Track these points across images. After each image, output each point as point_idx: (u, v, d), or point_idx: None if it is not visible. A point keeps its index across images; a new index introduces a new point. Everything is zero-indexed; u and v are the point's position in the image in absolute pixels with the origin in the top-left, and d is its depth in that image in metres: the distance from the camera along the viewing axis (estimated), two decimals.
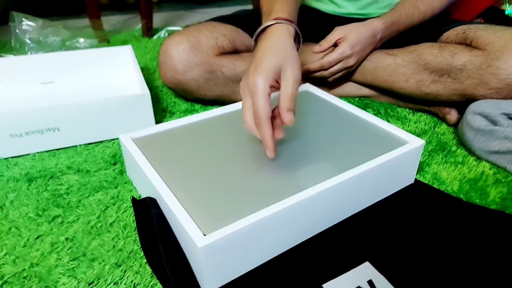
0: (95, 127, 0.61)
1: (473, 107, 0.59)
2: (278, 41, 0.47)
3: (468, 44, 0.64)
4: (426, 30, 0.74)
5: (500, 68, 0.58)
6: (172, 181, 0.43)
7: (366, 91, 0.77)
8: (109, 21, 1.33)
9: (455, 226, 0.45)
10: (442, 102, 0.67)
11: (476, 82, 0.61)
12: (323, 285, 0.38)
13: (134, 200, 0.43)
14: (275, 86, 0.44)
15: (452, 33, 0.68)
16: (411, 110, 0.74)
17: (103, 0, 1.51)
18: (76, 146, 0.61)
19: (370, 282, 0.38)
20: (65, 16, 1.32)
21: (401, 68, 0.68)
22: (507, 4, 1.06)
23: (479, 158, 0.59)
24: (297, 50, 0.49)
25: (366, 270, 0.40)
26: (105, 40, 1.03)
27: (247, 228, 0.36)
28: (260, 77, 0.42)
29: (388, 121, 0.70)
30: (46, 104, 0.57)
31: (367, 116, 0.56)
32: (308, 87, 0.66)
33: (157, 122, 0.67)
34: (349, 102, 0.76)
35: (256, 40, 0.53)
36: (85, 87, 0.77)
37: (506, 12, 1.05)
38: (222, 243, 0.35)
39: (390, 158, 0.47)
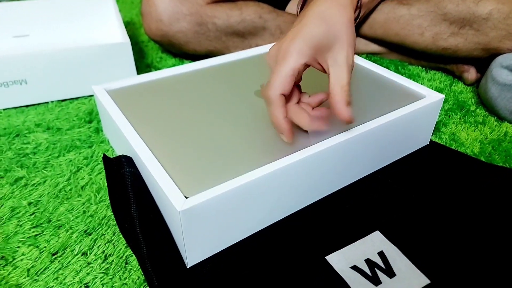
0: (69, 81, 0.53)
1: (501, 59, 0.52)
2: (334, 10, 0.34)
3: None
4: None
5: None
6: (150, 138, 0.37)
7: (374, 47, 0.70)
8: None
9: (475, 191, 0.39)
10: (460, 59, 0.60)
11: (502, 34, 0.53)
12: (326, 257, 0.32)
13: (105, 157, 0.37)
14: (313, 64, 0.34)
15: None
16: (424, 68, 0.66)
17: None
18: (47, 102, 0.54)
19: (381, 254, 0.33)
20: None
21: (416, 19, 0.61)
22: None
23: (501, 119, 0.52)
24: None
25: (376, 240, 0.34)
26: None
27: (236, 190, 0.30)
28: (295, 47, 0.32)
29: None
30: (10, 53, 0.49)
31: (379, 70, 0.49)
32: None
33: None
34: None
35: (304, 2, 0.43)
36: (62, 41, 0.69)
37: None
38: (206, 207, 0.29)
39: (404, 113, 0.40)
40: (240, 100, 0.43)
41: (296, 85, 0.36)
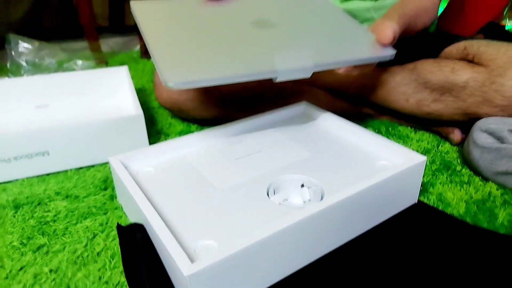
0: (87, 150, 0.59)
1: (480, 123, 0.57)
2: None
3: (469, 60, 0.63)
4: (426, 47, 0.73)
5: (505, 85, 0.56)
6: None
7: (365, 109, 0.76)
8: (108, 43, 1.34)
9: (462, 252, 0.42)
10: (445, 122, 0.65)
11: (479, 100, 0.59)
12: None
13: (119, 226, 0.41)
14: None
15: (452, 49, 0.67)
16: (412, 129, 0.71)
17: (102, 22, 1.53)
18: (66, 170, 0.59)
19: None
20: (63, 39, 1.33)
21: (400, 87, 0.67)
22: (507, 20, 1.05)
23: (485, 179, 0.56)
24: None
25: None
26: (103, 61, 1.03)
27: (239, 253, 0.34)
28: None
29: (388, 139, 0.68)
30: (35, 127, 0.55)
31: (363, 134, 0.54)
32: (305, 107, 0.64)
33: (151, 144, 0.65)
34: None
35: None
36: (80, 109, 0.76)
37: (507, 28, 1.05)
38: (212, 271, 0.33)
39: (390, 175, 0.44)
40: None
41: None
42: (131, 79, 0.74)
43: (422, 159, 0.47)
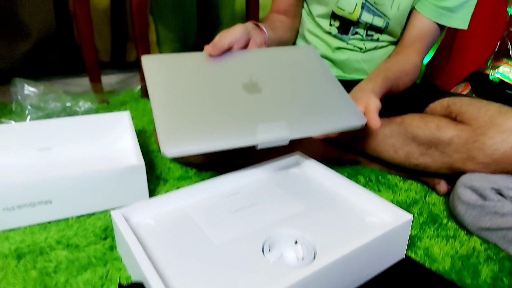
0: (88, 199, 0.61)
1: (464, 179, 0.60)
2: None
3: (453, 118, 0.67)
4: (411, 99, 0.77)
5: (487, 144, 0.60)
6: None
7: (356, 157, 0.79)
8: (110, 79, 1.38)
9: None
10: (432, 174, 0.69)
11: (464, 157, 0.62)
12: None
13: (120, 286, 0.43)
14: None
15: (437, 105, 0.71)
16: (401, 178, 0.75)
17: (104, 58, 1.58)
18: (67, 218, 0.61)
19: None
20: (67, 75, 1.37)
21: (389, 139, 0.71)
22: (490, 70, 1.11)
23: (470, 233, 0.59)
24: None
25: None
26: (105, 101, 1.06)
27: None
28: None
29: (378, 189, 0.71)
30: (38, 176, 0.57)
31: (352, 188, 0.57)
32: (299, 157, 0.67)
33: (150, 191, 0.68)
34: (340, 168, 0.77)
35: None
36: (81, 153, 0.78)
37: (490, 77, 1.10)
38: None
39: (378, 235, 0.47)
40: None
41: None
42: (132, 124, 0.77)
43: (409, 217, 0.50)
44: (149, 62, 0.57)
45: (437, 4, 0.73)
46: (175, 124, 0.49)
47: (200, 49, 0.62)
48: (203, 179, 0.72)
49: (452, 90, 1.15)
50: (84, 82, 1.23)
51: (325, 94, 0.60)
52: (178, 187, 0.70)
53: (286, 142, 0.54)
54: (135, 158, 0.69)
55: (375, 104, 0.59)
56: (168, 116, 0.50)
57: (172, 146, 0.46)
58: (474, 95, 1.18)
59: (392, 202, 0.66)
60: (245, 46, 0.63)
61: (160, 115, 0.49)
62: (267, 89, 0.58)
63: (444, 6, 0.73)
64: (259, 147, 0.53)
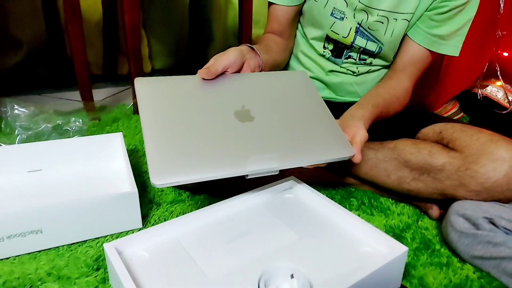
0: (80, 227, 0.60)
1: (456, 207, 0.61)
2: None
3: (445, 144, 0.68)
4: (404, 124, 0.78)
5: (478, 172, 0.60)
6: None
7: (349, 179, 0.79)
8: (101, 93, 1.37)
9: None
10: (424, 199, 0.69)
11: (455, 184, 0.63)
12: None
13: None
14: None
15: (429, 131, 0.72)
16: (394, 201, 0.75)
17: (96, 71, 1.57)
18: (58, 247, 0.60)
19: None
20: (58, 89, 1.35)
21: (382, 163, 0.71)
22: (479, 89, 1.13)
23: (463, 260, 0.59)
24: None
25: None
26: (96, 118, 1.05)
27: None
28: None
29: (371, 213, 0.71)
30: (29, 205, 0.56)
31: (346, 218, 0.57)
32: (293, 183, 0.67)
33: (143, 216, 0.67)
34: (333, 190, 0.78)
35: None
36: (72, 176, 0.77)
37: (479, 97, 1.13)
38: None
39: (375, 268, 0.47)
40: None
41: None
42: (125, 146, 0.76)
43: (404, 249, 0.50)
44: (142, 85, 0.57)
45: (429, 31, 0.74)
46: (165, 154, 0.49)
47: (192, 64, 0.62)
48: (196, 203, 0.72)
49: (440, 109, 1.17)
50: (75, 96, 1.22)
51: (315, 124, 0.61)
52: (171, 212, 0.69)
53: (276, 172, 0.55)
54: (128, 182, 0.68)
55: (361, 136, 0.60)
56: (158, 144, 0.50)
57: (161, 177, 0.46)
58: (462, 113, 1.20)
59: (385, 226, 0.67)
60: (239, 70, 0.63)
61: (151, 143, 0.50)
62: (258, 117, 0.58)
63: (436, 34, 0.74)
64: (249, 177, 0.53)
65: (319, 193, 0.63)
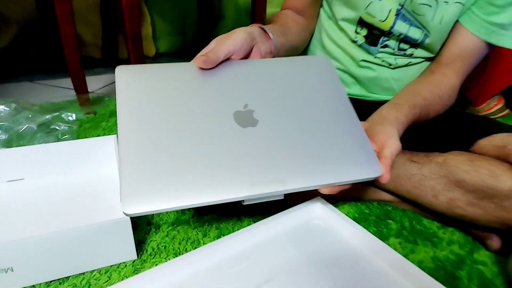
0: (59, 262, 0.49)
1: None
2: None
3: (510, 162, 0.54)
4: (455, 131, 0.65)
5: None
6: None
7: (385, 195, 0.67)
8: (100, 80, 1.25)
9: None
10: (480, 226, 0.57)
11: None
12: None
13: None
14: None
15: (488, 144, 0.58)
16: (440, 224, 0.63)
17: (95, 54, 1.43)
18: (34, 285, 0.49)
19: None
20: (51, 74, 1.23)
21: (428, 181, 0.58)
22: None
23: None
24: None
25: None
26: (91, 112, 0.93)
27: None
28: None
29: (415, 241, 0.59)
30: None
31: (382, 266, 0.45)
32: (321, 206, 0.55)
33: (139, 242, 0.56)
34: (367, 208, 0.65)
35: None
36: (59, 185, 0.66)
37: None
38: None
39: None
40: None
41: None
42: (118, 151, 0.64)
43: None
44: (123, 76, 0.46)
45: (487, 19, 0.60)
46: (142, 172, 0.39)
47: (201, 45, 0.49)
48: (202, 225, 0.60)
49: (484, 104, 1.02)
50: (70, 83, 1.10)
51: (334, 131, 0.48)
52: (172, 237, 0.58)
53: (280, 197, 0.44)
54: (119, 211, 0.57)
55: (392, 149, 0.48)
56: (135, 160, 0.40)
57: (135, 204, 0.37)
58: (508, 110, 1.05)
59: (433, 260, 0.55)
60: (247, 56, 0.51)
61: (126, 157, 0.40)
62: (263, 121, 0.46)
63: (496, 22, 0.59)
64: (245, 203, 0.42)
65: (354, 222, 0.51)
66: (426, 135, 0.64)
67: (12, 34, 1.24)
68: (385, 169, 0.46)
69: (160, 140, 0.42)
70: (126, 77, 0.46)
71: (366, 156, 0.47)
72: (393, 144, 0.49)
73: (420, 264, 0.54)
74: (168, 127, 0.43)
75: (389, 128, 0.51)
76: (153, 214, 0.62)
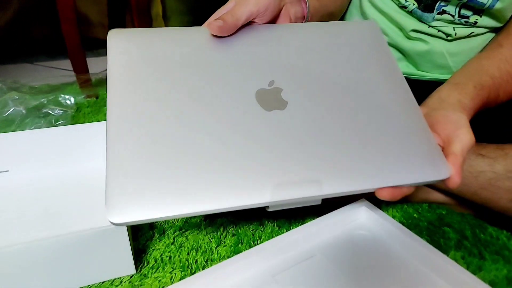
0: (40, 278, 0.39)
1: None
2: None
3: None
4: None
5: None
6: None
7: (438, 196, 0.55)
8: (104, 62, 1.14)
9: None
10: None
11: None
12: None
13: None
14: None
15: None
16: (510, 232, 0.51)
17: (101, 35, 1.33)
18: None
19: None
20: (53, 56, 1.14)
21: (503, 180, 0.46)
22: None
23: None
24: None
25: None
26: (93, 96, 0.83)
27: None
28: None
29: (481, 255, 0.47)
30: None
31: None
32: (366, 209, 0.44)
33: (139, 252, 0.45)
34: (416, 212, 0.54)
35: None
36: (48, 177, 0.56)
37: None
38: None
39: None
40: None
41: None
42: None
43: None
44: (116, 43, 0.35)
45: None
46: (134, 172, 0.29)
47: None
48: (215, 230, 0.50)
49: None
50: (66, 65, 1.00)
51: (388, 118, 0.37)
52: (180, 246, 0.47)
53: (317, 202, 0.34)
54: None
55: (463, 143, 0.36)
56: (126, 156, 0.30)
57: (123, 211, 0.28)
58: None
59: (508, 281, 0.43)
60: (274, 21, 0.40)
61: (113, 151, 0.30)
62: (294, 102, 0.36)
63: None
64: (270, 209, 0.32)
65: (410, 233, 0.39)
66: (495, 122, 0.52)
67: (12, 10, 1.15)
68: (455, 170, 0.34)
69: (160, 126, 0.32)
70: (120, 45, 0.36)
71: (429, 152, 0.35)
72: (464, 137, 0.36)
73: (492, 287, 0.42)
74: (170, 110, 0.33)
75: (456, 115, 0.39)
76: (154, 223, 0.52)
